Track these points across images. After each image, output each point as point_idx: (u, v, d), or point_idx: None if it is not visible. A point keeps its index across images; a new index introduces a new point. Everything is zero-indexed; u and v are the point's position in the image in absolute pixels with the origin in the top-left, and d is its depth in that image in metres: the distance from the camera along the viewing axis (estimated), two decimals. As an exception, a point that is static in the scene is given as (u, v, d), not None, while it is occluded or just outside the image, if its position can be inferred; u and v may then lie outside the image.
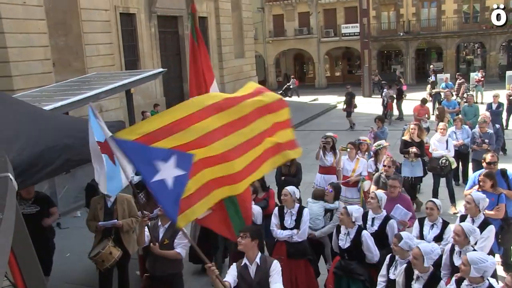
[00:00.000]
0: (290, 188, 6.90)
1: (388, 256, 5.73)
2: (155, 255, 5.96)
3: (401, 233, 5.70)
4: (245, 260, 4.97)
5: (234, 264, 5.09)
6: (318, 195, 7.57)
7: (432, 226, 6.38)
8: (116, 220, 7.11)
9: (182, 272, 6.36)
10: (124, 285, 7.51)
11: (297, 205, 6.84)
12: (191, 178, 4.41)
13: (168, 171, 4.21)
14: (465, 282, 4.73)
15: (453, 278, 4.96)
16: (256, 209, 6.93)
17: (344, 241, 6.21)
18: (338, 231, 6.38)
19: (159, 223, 6.17)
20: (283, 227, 6.79)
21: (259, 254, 4.98)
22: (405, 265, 5.31)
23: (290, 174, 9.19)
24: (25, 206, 7.24)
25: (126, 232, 7.24)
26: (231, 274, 4.94)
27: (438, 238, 6.25)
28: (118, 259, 7.01)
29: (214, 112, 4.96)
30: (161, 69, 15.92)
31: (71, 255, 9.18)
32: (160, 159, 4.21)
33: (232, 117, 5.12)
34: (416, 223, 6.62)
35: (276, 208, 7.04)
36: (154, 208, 7.37)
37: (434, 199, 6.66)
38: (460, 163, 11.75)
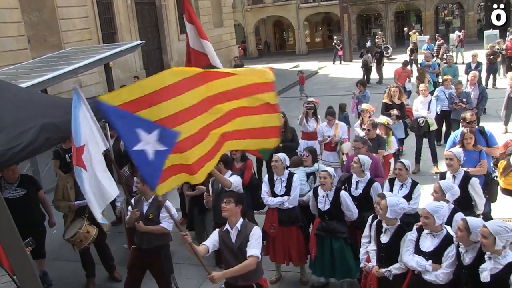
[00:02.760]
0: (281, 155, 6.91)
1: (370, 217, 5.86)
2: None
3: (384, 192, 5.84)
4: (226, 226, 5.02)
5: (217, 230, 5.14)
6: (297, 162, 7.59)
7: (402, 186, 6.55)
8: None
9: (169, 243, 6.44)
10: (106, 258, 7.52)
11: (286, 171, 6.86)
12: (172, 154, 4.35)
13: (150, 144, 4.17)
14: (426, 231, 4.98)
15: (414, 227, 5.18)
16: (234, 178, 6.83)
17: (324, 204, 6.38)
18: (316, 194, 6.50)
19: (143, 197, 6.20)
20: (273, 195, 6.83)
21: (241, 220, 5.02)
22: (376, 220, 5.55)
23: (286, 140, 9.22)
24: (10, 190, 7.01)
25: None
26: (211, 239, 5.03)
27: (407, 198, 6.39)
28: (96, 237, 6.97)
29: (198, 84, 4.79)
30: (139, 42, 15.67)
31: (57, 232, 9.16)
32: (143, 129, 4.14)
33: (215, 90, 4.96)
34: (387, 183, 6.77)
35: (266, 176, 7.07)
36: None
37: (402, 160, 6.78)
38: (444, 124, 11.83)
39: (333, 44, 33.54)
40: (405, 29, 37.03)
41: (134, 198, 6.35)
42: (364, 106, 10.10)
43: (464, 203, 6.07)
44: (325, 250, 6.45)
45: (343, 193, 6.34)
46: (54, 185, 11.35)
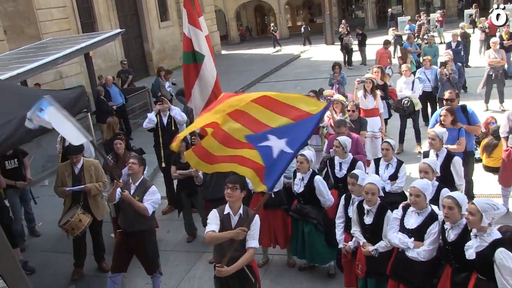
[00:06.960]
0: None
1: (343, 197, 5.89)
2: (125, 212, 6.14)
3: (355, 171, 5.87)
4: (228, 210, 4.93)
5: (215, 210, 5.01)
6: None
7: (387, 166, 6.58)
8: (83, 185, 7.08)
9: (153, 229, 6.49)
10: (98, 248, 7.55)
11: None
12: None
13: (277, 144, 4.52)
14: (411, 209, 5.01)
15: (400, 205, 5.20)
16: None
17: (299, 186, 6.45)
18: (294, 176, 6.58)
19: (130, 181, 6.26)
20: None
21: (242, 205, 4.99)
22: (356, 203, 5.54)
23: None
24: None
25: (93, 198, 7.21)
26: (214, 220, 4.88)
27: (393, 177, 6.46)
28: (89, 226, 7.04)
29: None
30: (119, 30, 15.52)
31: (43, 224, 9.12)
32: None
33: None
34: (372, 163, 6.81)
35: None
36: (123, 168, 7.38)
37: (388, 140, 6.81)
38: (429, 104, 11.89)
39: (271, 31, 36.38)
40: (389, 10, 36.96)
41: (122, 179, 6.32)
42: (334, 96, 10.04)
43: (447, 181, 6.11)
44: (298, 232, 6.58)
45: (317, 178, 6.37)
46: (37, 177, 11.44)
